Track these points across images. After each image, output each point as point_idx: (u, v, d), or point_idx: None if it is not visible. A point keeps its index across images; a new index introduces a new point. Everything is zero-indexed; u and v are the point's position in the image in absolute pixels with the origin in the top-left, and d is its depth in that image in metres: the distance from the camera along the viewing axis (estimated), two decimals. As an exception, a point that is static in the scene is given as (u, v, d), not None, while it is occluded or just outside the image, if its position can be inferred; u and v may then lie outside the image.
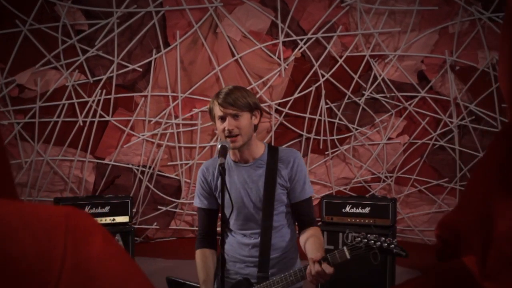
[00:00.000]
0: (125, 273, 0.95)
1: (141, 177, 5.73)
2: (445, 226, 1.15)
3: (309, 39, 5.69)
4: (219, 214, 2.73)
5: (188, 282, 2.69)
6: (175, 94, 5.64)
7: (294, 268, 2.68)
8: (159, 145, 5.72)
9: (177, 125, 5.71)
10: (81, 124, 5.54)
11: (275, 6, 5.62)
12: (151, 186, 5.75)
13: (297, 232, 2.75)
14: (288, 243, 2.70)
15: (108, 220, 4.55)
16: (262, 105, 5.20)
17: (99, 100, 5.54)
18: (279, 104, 5.78)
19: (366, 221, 4.42)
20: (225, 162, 2.53)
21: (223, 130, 2.55)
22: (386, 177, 5.91)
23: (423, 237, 5.87)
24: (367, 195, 5.67)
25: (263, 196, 2.60)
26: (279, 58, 5.68)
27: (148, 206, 5.80)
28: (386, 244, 2.35)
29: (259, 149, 2.67)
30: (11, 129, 5.43)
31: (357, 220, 4.44)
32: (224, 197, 2.48)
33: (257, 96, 5.47)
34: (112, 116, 5.60)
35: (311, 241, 2.57)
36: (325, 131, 5.82)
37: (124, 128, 5.63)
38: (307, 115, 5.81)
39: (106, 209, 4.58)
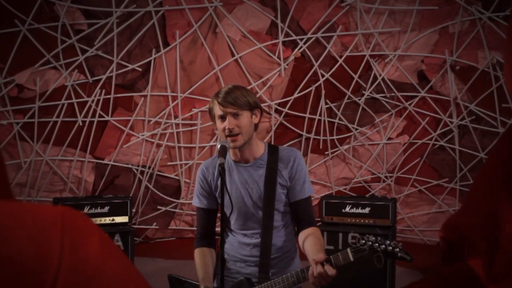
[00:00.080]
0: (123, 274, 0.95)
1: (141, 177, 5.72)
2: (449, 228, 1.13)
3: (309, 38, 5.68)
4: (218, 214, 2.72)
5: (189, 280, 2.69)
6: (174, 94, 5.63)
7: (294, 267, 2.67)
8: (158, 145, 5.72)
9: (177, 125, 5.70)
10: (81, 124, 5.53)
11: (275, 5, 5.62)
12: (151, 186, 5.74)
13: (296, 231, 2.74)
14: (288, 242, 2.69)
15: (107, 220, 4.54)
16: (262, 105, 5.19)
17: (98, 100, 5.53)
18: (279, 104, 5.78)
19: (366, 221, 4.41)
20: (225, 162, 2.52)
21: (224, 129, 2.54)
22: (386, 177, 5.91)
23: (423, 237, 5.86)
24: (367, 195, 5.67)
25: (263, 196, 2.59)
26: (279, 58, 5.67)
27: (147, 206, 5.79)
28: (390, 248, 2.29)
29: (260, 148, 2.66)
30: (10, 129, 5.42)
31: (357, 220, 4.43)
32: (224, 197, 2.47)
33: (257, 96, 5.46)
34: (111, 116, 5.59)
35: (311, 242, 2.55)
36: (325, 131, 5.82)
37: (124, 128, 5.62)
38: (307, 115, 5.80)
39: (106, 209, 4.57)
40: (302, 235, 2.62)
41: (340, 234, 4.40)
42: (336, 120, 5.81)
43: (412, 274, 4.76)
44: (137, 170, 5.71)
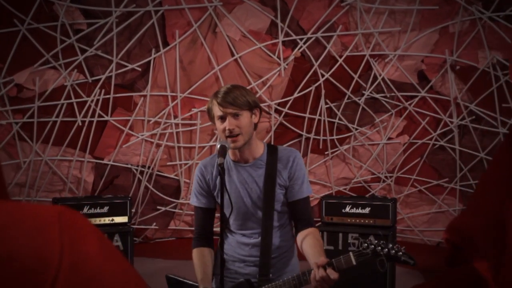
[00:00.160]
0: (122, 274, 0.94)
1: (140, 177, 5.71)
2: (454, 230, 1.12)
3: (308, 38, 5.68)
4: (217, 214, 2.71)
5: (187, 281, 2.68)
6: (174, 94, 5.63)
7: (292, 267, 2.67)
8: (158, 145, 5.71)
9: (176, 125, 5.70)
10: (80, 124, 5.52)
11: (275, 5, 5.61)
12: (150, 186, 5.73)
13: (293, 231, 2.73)
14: (286, 242, 2.69)
15: (107, 220, 4.54)
16: (261, 105, 5.18)
17: (98, 100, 5.52)
18: (279, 104, 5.77)
19: (366, 221, 4.40)
20: (224, 161, 2.51)
21: (224, 130, 2.52)
22: (386, 177, 5.90)
23: (423, 237, 5.85)
24: (367, 195, 5.66)
25: (263, 196, 2.59)
26: (278, 57, 5.66)
27: (147, 206, 5.78)
28: (393, 251, 2.27)
29: (259, 148, 2.65)
30: (9, 129, 5.41)
31: (357, 221, 4.42)
32: (224, 197, 2.46)
33: (257, 96, 5.46)
34: (111, 116, 5.58)
35: (311, 243, 2.53)
36: (324, 131, 5.81)
37: (123, 128, 5.61)
38: (307, 115, 5.80)
39: (105, 209, 4.56)
40: (300, 236, 2.61)
41: (340, 234, 4.39)
42: (336, 120, 5.81)
43: (412, 275, 4.76)
44: (136, 170, 5.70)
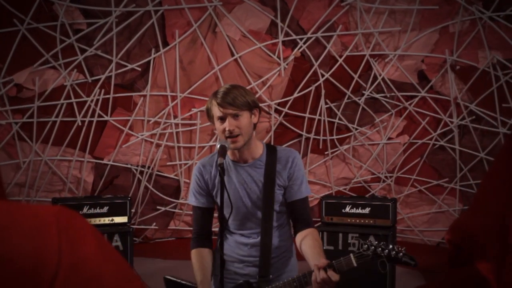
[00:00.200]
0: (121, 275, 0.94)
1: (140, 177, 5.71)
2: (456, 231, 1.11)
3: (308, 38, 5.67)
4: (215, 214, 2.70)
5: (185, 282, 2.67)
6: (174, 94, 5.62)
7: (291, 267, 2.66)
8: (158, 145, 5.70)
9: (176, 125, 5.69)
10: (80, 124, 5.52)
11: (275, 5, 5.61)
12: (150, 186, 5.73)
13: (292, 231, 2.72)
14: (285, 242, 2.68)
15: (106, 220, 4.53)
16: (261, 104, 5.19)
17: (97, 100, 5.52)
18: (279, 104, 5.77)
19: (366, 221, 4.39)
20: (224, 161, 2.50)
21: (223, 130, 2.51)
22: (386, 177, 5.89)
23: (423, 238, 5.85)
24: (367, 195, 5.66)
25: (262, 196, 2.58)
26: (278, 57, 5.66)
27: (147, 206, 5.78)
28: (394, 252, 2.26)
29: (258, 148, 2.65)
30: (9, 129, 5.41)
31: (357, 221, 4.41)
32: (223, 197, 2.45)
33: (257, 95, 5.46)
34: (110, 116, 5.58)
35: (310, 244, 2.52)
36: (324, 131, 5.81)
37: (123, 128, 5.61)
38: (307, 115, 5.79)
39: (105, 209, 4.55)
40: (299, 236, 2.60)
41: (340, 235, 4.38)
42: (336, 120, 5.80)
43: (412, 275, 4.76)
44: (136, 170, 5.70)
